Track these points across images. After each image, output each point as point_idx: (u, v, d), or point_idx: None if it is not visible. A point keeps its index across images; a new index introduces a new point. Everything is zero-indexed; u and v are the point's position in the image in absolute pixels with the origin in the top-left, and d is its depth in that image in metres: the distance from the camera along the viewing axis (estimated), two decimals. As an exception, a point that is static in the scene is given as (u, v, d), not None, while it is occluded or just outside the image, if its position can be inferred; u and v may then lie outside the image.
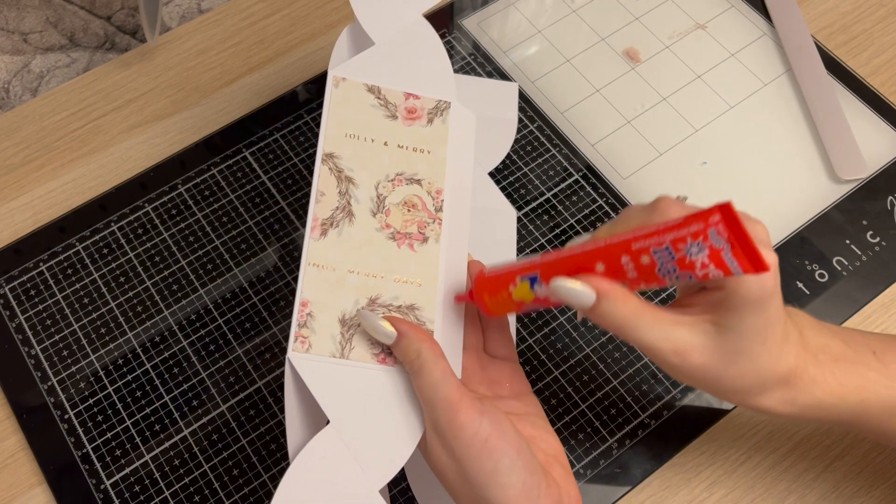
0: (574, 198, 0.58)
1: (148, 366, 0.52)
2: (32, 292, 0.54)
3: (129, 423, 0.50)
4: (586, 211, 0.57)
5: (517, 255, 0.56)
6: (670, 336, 0.34)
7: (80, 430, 0.50)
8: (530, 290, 0.37)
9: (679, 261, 0.31)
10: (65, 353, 0.52)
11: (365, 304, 0.40)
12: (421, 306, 0.40)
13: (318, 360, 0.39)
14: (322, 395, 0.38)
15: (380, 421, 0.38)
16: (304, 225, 0.57)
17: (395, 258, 0.41)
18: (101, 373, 0.52)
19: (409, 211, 0.43)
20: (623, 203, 0.58)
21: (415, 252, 0.42)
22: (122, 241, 0.56)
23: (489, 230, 0.54)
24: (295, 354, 0.39)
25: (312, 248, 0.41)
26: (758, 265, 0.30)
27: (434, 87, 0.46)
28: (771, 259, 0.32)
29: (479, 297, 0.40)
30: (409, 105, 0.45)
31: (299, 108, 0.62)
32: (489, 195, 0.55)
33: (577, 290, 0.34)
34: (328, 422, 0.38)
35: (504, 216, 0.55)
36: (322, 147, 0.43)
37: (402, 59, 0.47)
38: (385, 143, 0.44)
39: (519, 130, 0.61)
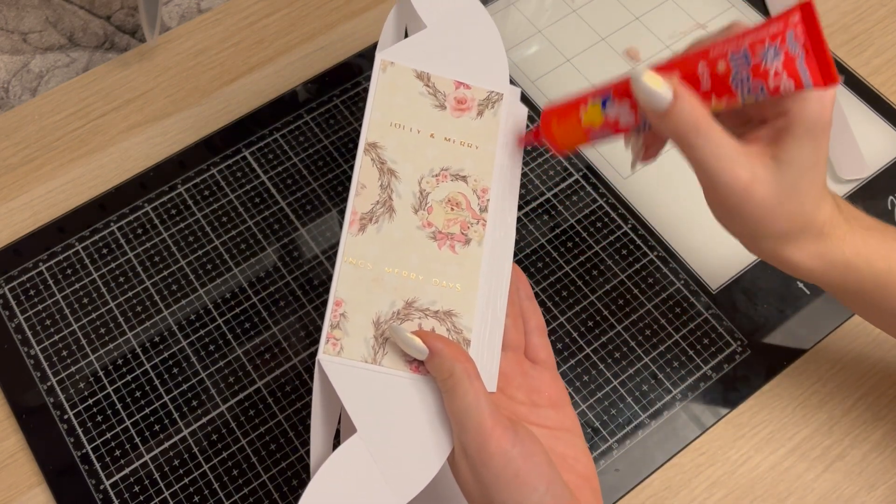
0: (574, 198, 0.58)
1: (148, 366, 0.52)
2: (32, 292, 0.54)
3: (128, 423, 0.50)
4: (586, 211, 0.57)
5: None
6: (736, 159, 0.35)
7: (79, 431, 0.50)
8: (602, 112, 0.37)
9: (754, 68, 0.32)
10: (64, 353, 0.52)
11: (401, 306, 0.38)
12: (459, 312, 0.38)
13: (349, 364, 0.37)
14: (351, 402, 0.36)
15: (409, 434, 0.36)
16: (304, 225, 0.57)
17: (436, 259, 0.39)
18: (101, 373, 0.52)
19: (452, 209, 0.40)
20: (623, 203, 0.57)
21: (456, 254, 0.39)
22: (122, 241, 0.56)
23: None
24: (326, 357, 0.37)
25: (350, 243, 0.39)
26: (828, 77, 0.31)
27: (487, 77, 0.43)
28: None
29: (547, 125, 0.39)
30: (459, 95, 0.42)
31: (299, 107, 0.62)
32: None
33: (656, 89, 0.34)
34: (355, 430, 0.36)
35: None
36: (365, 136, 0.41)
37: (454, 44, 0.44)
38: (431, 135, 0.41)
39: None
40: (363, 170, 0.40)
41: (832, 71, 0.30)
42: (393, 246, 0.39)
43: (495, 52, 0.44)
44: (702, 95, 0.35)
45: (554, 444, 0.38)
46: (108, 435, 0.50)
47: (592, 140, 0.39)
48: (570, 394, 0.51)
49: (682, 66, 0.34)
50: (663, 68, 0.36)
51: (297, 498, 0.48)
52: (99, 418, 0.50)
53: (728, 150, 0.35)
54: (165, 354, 0.52)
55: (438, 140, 0.41)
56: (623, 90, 0.36)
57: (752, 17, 0.66)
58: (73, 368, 0.52)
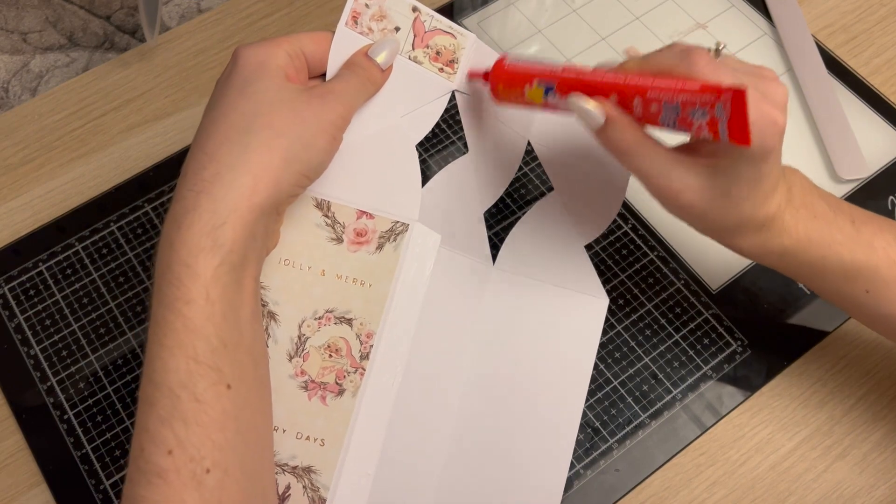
0: (574, 198, 0.58)
1: (147, 366, 0.52)
2: (32, 292, 0.54)
3: (128, 423, 0.50)
4: (586, 211, 0.57)
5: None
6: (667, 172, 0.38)
7: (79, 431, 0.50)
8: (543, 97, 0.40)
9: (681, 119, 0.35)
10: (64, 353, 0.52)
11: None
12: (318, 469, 0.36)
13: None
14: None
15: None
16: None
17: (303, 411, 0.37)
18: (101, 373, 0.52)
19: (330, 357, 0.38)
20: (623, 203, 0.57)
21: (326, 406, 0.37)
22: (122, 241, 0.56)
23: (571, 316, 0.49)
24: None
25: None
26: (743, 141, 0.34)
27: (394, 205, 0.40)
28: (780, 120, 0.36)
29: (494, 84, 0.43)
30: (359, 226, 0.39)
31: (299, 107, 0.62)
32: (580, 276, 0.49)
33: (589, 110, 0.37)
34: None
35: (593, 304, 0.49)
36: None
37: (364, 169, 0.40)
38: (322, 273, 0.39)
39: (519, 130, 0.61)
40: None
41: (747, 139, 0.34)
42: None
43: (409, 176, 0.41)
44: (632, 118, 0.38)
45: None
46: (108, 435, 0.50)
47: (531, 109, 0.42)
48: (570, 394, 0.51)
49: (622, 92, 0.37)
50: (604, 86, 0.38)
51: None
52: (99, 418, 0.50)
53: (658, 162, 0.38)
54: (165, 354, 0.52)
55: (329, 278, 0.38)
56: (565, 88, 0.39)
57: (752, 17, 0.66)
58: (73, 368, 0.52)
